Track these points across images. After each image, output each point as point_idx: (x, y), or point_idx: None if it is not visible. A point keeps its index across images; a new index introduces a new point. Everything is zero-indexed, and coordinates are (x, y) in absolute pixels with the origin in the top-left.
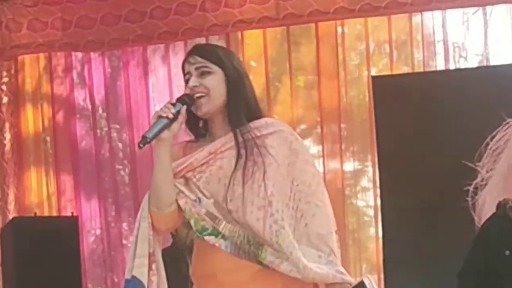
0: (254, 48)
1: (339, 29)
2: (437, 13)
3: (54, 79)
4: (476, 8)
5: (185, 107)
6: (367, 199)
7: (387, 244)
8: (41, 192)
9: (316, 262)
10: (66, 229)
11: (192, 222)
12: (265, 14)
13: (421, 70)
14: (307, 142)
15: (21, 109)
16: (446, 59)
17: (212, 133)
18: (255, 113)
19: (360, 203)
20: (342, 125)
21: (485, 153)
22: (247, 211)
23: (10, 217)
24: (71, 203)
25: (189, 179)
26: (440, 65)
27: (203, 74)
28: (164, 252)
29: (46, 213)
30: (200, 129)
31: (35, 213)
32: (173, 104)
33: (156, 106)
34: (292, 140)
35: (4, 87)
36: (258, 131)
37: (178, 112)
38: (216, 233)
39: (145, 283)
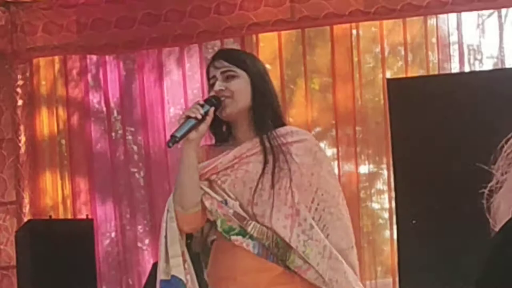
0: (269, 50)
1: (354, 31)
2: (452, 16)
3: (69, 82)
4: (491, 11)
5: (213, 108)
6: (382, 201)
7: (402, 247)
8: (56, 194)
9: None
10: (81, 232)
11: (218, 222)
12: (280, 16)
13: (436, 72)
14: (322, 144)
15: (36, 112)
16: (461, 62)
17: (236, 138)
18: (279, 119)
19: (375, 205)
20: (357, 128)
21: (500, 156)
22: (274, 217)
23: (25, 219)
24: (86, 206)
25: (213, 182)
26: (455, 68)
27: (228, 78)
28: None
29: (61, 216)
30: (223, 132)
31: (50, 216)
32: (201, 105)
33: (171, 109)
34: (316, 151)
35: (19, 90)
36: (284, 139)
37: (206, 113)
38: (243, 233)
39: (185, 281)
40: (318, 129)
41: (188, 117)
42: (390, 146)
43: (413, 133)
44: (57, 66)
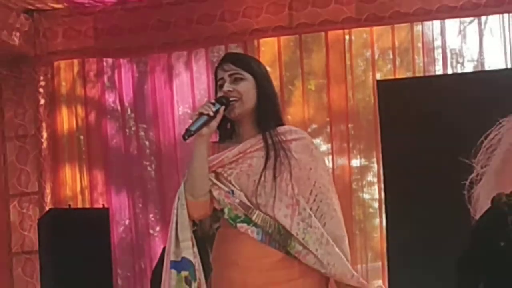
0: (269, 54)
1: (347, 37)
2: (436, 23)
3: (86, 83)
4: (472, 18)
5: (223, 107)
6: (372, 192)
7: (391, 234)
8: (75, 186)
9: None
10: (98, 220)
11: (225, 210)
12: (279, 23)
13: (422, 74)
14: (318, 140)
15: (56, 110)
16: (445, 65)
17: (240, 135)
18: (280, 119)
19: (366, 196)
20: (349, 125)
21: (480, 150)
22: (275, 207)
23: (47, 208)
24: (102, 196)
25: (220, 174)
26: (439, 70)
27: (236, 80)
28: None
29: (79, 205)
30: (227, 130)
31: (70, 205)
32: (213, 104)
33: (180, 108)
34: (312, 148)
35: (41, 90)
36: (284, 136)
37: (217, 111)
38: (248, 221)
39: (194, 263)
40: (314, 126)
41: (201, 114)
42: (379, 142)
43: (400, 129)
44: (76, 69)
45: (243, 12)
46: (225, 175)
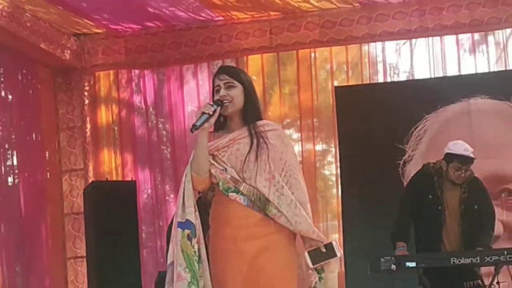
0: (254, 67)
1: (312, 54)
2: (379, 44)
3: (119, 88)
4: (405, 40)
5: (219, 108)
6: (331, 169)
7: (344, 200)
8: (111, 164)
9: None
10: (128, 190)
11: (220, 183)
12: (262, 44)
13: (368, 82)
14: (290, 131)
15: (97, 108)
16: (385, 75)
17: (230, 127)
18: (259, 115)
19: (326, 172)
20: (314, 120)
21: (411, 138)
22: (257, 180)
23: (90, 181)
24: (131, 172)
25: (216, 156)
26: (380, 79)
27: (229, 87)
28: None
29: (114, 179)
30: (221, 123)
31: (107, 178)
32: (211, 105)
33: (188, 107)
34: (284, 137)
35: (86, 93)
36: (263, 128)
37: (215, 111)
38: (237, 191)
39: (195, 223)
40: (287, 120)
41: (203, 113)
42: (336, 132)
43: (352, 123)
44: (111, 77)
45: (236, 35)
46: (220, 156)
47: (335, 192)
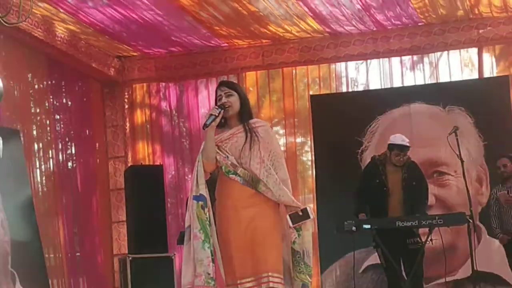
0: (251, 80)
1: (293, 71)
2: (343, 63)
3: (150, 96)
4: (362, 61)
5: (222, 110)
6: (307, 156)
7: (318, 179)
8: (144, 152)
9: None
10: (157, 172)
11: (223, 167)
12: (256, 63)
13: (335, 92)
14: (278, 128)
15: (134, 111)
16: (347, 86)
17: (229, 125)
18: (251, 116)
19: (304, 158)
20: (295, 119)
21: (367, 133)
22: (251, 164)
23: (129, 165)
24: (160, 158)
25: (220, 146)
26: (344, 89)
27: (228, 95)
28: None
29: (147, 163)
30: (223, 122)
31: (141, 163)
32: (217, 108)
33: (202, 110)
34: (270, 131)
35: (126, 100)
36: (254, 125)
37: (219, 113)
38: (235, 173)
39: (206, 196)
40: (275, 120)
41: (211, 114)
42: (311, 129)
43: (323, 122)
44: (144, 88)
45: (237, 57)
46: (223, 147)
47: (311, 173)
